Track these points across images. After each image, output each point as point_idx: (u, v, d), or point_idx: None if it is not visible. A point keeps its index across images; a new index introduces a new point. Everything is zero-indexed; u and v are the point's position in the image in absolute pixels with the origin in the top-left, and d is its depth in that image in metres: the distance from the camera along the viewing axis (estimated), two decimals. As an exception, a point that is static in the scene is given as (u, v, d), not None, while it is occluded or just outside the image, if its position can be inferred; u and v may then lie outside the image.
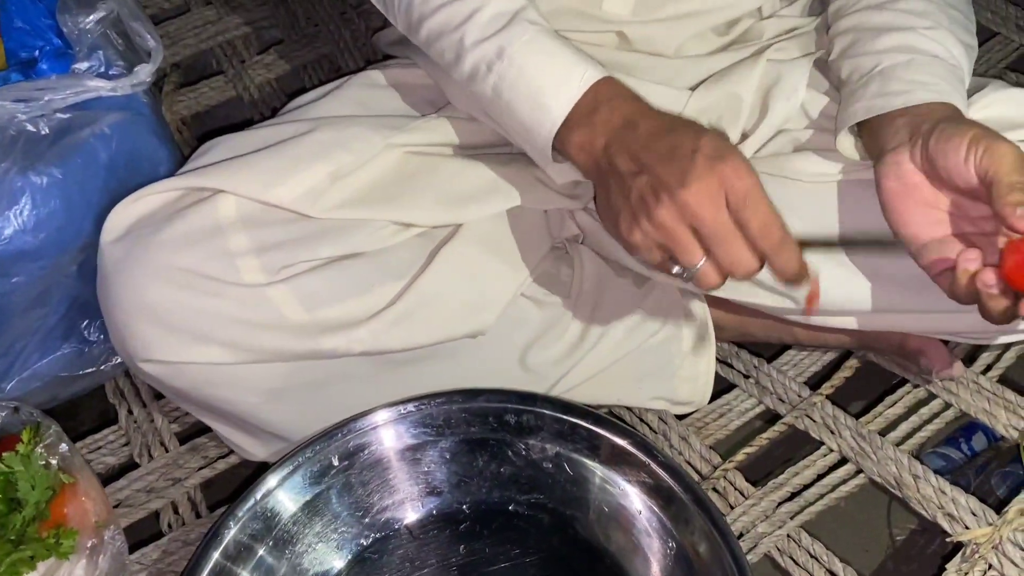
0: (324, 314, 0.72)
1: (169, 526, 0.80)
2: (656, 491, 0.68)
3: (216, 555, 0.67)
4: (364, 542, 0.73)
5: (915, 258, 0.61)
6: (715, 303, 0.85)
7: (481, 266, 0.78)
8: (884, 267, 0.70)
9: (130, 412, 0.88)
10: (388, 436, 0.74)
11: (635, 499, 0.70)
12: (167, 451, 0.85)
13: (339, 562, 0.72)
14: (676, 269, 0.60)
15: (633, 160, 0.60)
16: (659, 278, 0.80)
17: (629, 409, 0.87)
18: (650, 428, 0.85)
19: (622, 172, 0.61)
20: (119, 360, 0.86)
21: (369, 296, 0.73)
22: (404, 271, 0.75)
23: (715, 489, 0.78)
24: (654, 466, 0.69)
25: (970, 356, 0.84)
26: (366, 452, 0.74)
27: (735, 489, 0.78)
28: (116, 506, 0.80)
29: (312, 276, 0.72)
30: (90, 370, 0.86)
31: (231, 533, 0.68)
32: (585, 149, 0.63)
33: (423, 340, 0.75)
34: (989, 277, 0.56)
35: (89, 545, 0.62)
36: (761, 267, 0.58)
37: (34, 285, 0.76)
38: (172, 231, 0.69)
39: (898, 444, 0.78)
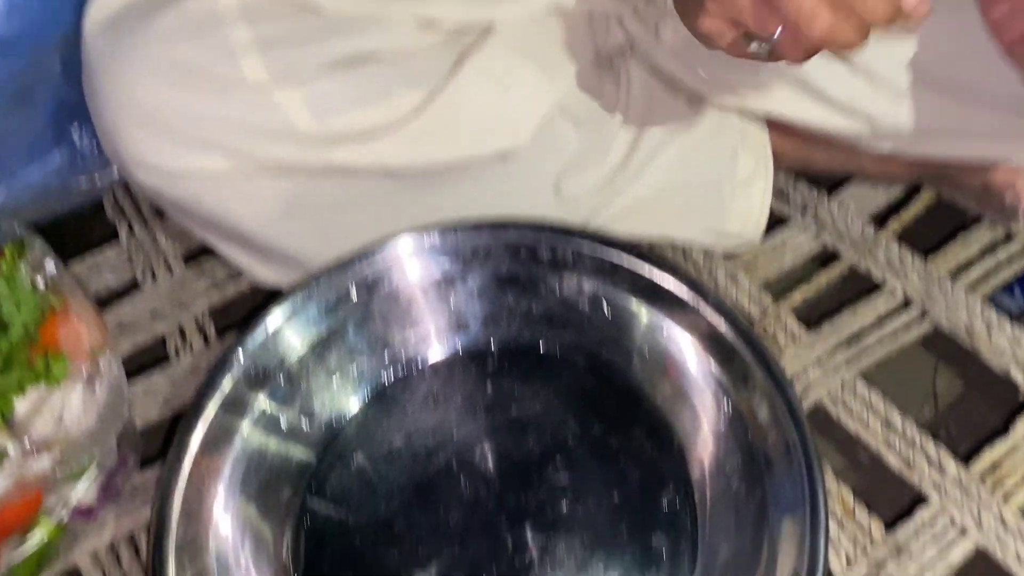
0: (336, 123, 0.64)
1: (176, 352, 0.75)
2: (706, 336, 0.62)
3: (225, 389, 0.62)
4: (385, 379, 0.68)
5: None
6: (775, 127, 0.76)
7: (514, 75, 0.69)
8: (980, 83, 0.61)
9: (131, 230, 0.82)
10: (410, 266, 0.68)
11: (682, 345, 0.63)
12: (172, 273, 0.79)
13: (358, 397, 0.67)
14: (753, 46, 0.49)
15: None
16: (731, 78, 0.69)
17: (671, 247, 0.79)
18: (694, 266, 0.78)
19: None
20: (116, 172, 0.78)
21: (387, 105, 0.65)
22: (427, 78, 0.66)
23: (764, 331, 0.72)
24: (705, 308, 0.62)
25: (1060, 195, 0.75)
26: (386, 283, 0.67)
27: (786, 332, 0.72)
28: (119, 329, 0.75)
29: (323, 80, 0.63)
30: (84, 184, 0.79)
31: (240, 366, 0.62)
32: None
33: (446, 157, 0.67)
34: None
35: (84, 372, 0.57)
36: (840, 30, 0.45)
37: (12, 81, 0.68)
38: (164, 20, 0.60)
39: (971, 288, 0.71)
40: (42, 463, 0.52)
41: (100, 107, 0.62)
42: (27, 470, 0.52)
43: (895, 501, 0.63)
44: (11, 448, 0.51)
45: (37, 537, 0.58)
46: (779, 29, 0.47)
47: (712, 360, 0.62)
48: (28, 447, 0.53)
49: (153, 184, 0.65)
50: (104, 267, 0.80)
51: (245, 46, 0.62)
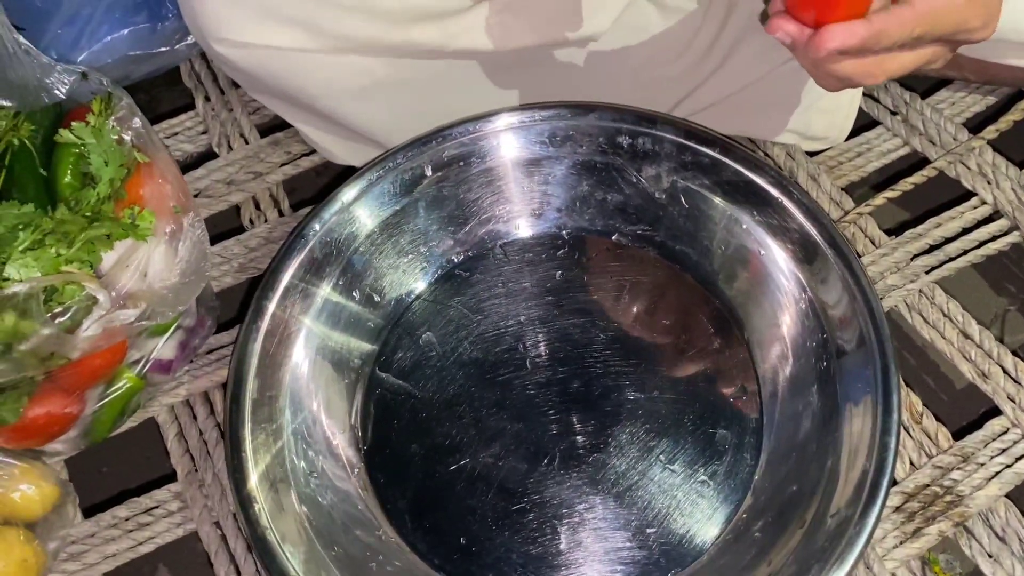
0: (416, 1, 0.62)
1: (251, 222, 0.76)
2: (787, 233, 0.61)
3: (302, 256, 0.62)
4: (455, 258, 0.68)
5: None
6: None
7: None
8: None
9: (207, 99, 0.82)
10: (485, 149, 0.67)
11: (762, 240, 0.62)
12: (247, 143, 0.79)
13: (428, 275, 0.67)
14: None
15: None
16: None
17: (752, 141, 0.77)
18: (775, 163, 0.76)
19: None
20: (194, 40, 0.78)
21: None
22: (510, -40, 0.64)
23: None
24: (789, 205, 0.61)
25: None
26: (461, 164, 0.67)
27: (865, 236, 0.70)
28: (195, 196, 0.76)
29: None
30: (163, 49, 0.79)
31: (317, 236, 0.63)
32: None
33: (526, 40, 0.65)
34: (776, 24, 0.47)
35: (168, 230, 0.58)
36: None
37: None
38: None
39: (1066, 203, 0.69)
40: (128, 314, 0.54)
41: (182, -23, 0.61)
42: (115, 320, 0.53)
43: (965, 411, 0.63)
44: (101, 296, 0.52)
45: (121, 387, 0.60)
46: None
47: (793, 256, 0.61)
48: (116, 299, 0.54)
49: (231, 58, 0.64)
50: (180, 134, 0.80)
51: None
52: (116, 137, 0.57)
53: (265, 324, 0.60)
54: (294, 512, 0.56)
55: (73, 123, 0.57)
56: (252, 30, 0.62)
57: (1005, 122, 0.73)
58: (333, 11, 0.62)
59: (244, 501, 0.55)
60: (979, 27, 0.48)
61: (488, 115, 0.67)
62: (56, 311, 0.51)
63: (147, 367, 0.62)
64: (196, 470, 0.64)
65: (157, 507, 0.63)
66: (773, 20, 0.48)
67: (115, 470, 0.65)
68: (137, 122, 0.58)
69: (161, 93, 0.84)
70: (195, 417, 0.66)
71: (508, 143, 0.67)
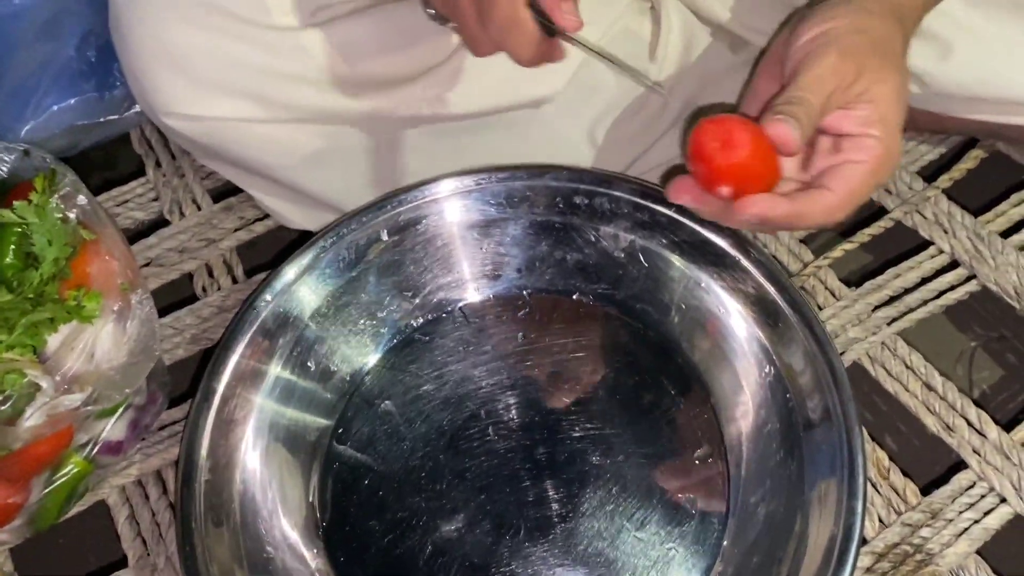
0: (366, 68, 0.62)
1: (204, 290, 0.74)
2: (747, 293, 0.60)
3: (253, 329, 0.61)
4: (414, 323, 0.67)
5: None
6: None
7: (550, 18, 0.66)
8: None
9: (158, 165, 0.80)
10: (442, 212, 0.66)
11: (722, 301, 0.61)
12: (199, 209, 0.78)
13: (386, 342, 0.66)
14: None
15: None
16: None
17: (710, 194, 0.77)
18: (733, 216, 0.75)
19: None
20: (144, 107, 0.77)
21: (418, 49, 0.63)
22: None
23: (803, 288, 0.70)
24: (747, 264, 0.60)
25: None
26: (418, 227, 0.66)
27: (826, 289, 0.70)
28: (146, 265, 0.75)
29: (353, 22, 0.62)
30: (112, 117, 0.78)
31: (269, 307, 0.62)
32: None
33: (479, 105, 0.65)
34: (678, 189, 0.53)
35: (115, 309, 0.56)
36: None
37: (39, 9, 0.66)
38: (193, -37, 0.58)
39: (1022, 248, 0.69)
40: (74, 399, 0.52)
41: (126, 50, 0.61)
42: (59, 406, 0.51)
43: (932, 465, 0.62)
44: (44, 383, 0.50)
45: (68, 472, 0.58)
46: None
47: (753, 318, 0.60)
48: (60, 383, 0.52)
49: (182, 131, 0.64)
50: (131, 202, 0.79)
51: None
52: (60, 215, 0.56)
53: (216, 402, 0.59)
54: (250, 599, 0.54)
55: (15, 202, 0.55)
56: (202, 103, 0.62)
57: (958, 170, 0.73)
58: (283, 82, 0.62)
59: (197, 590, 0.53)
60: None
61: (443, 177, 0.66)
62: (-5, 401, 0.49)
63: (96, 449, 0.60)
64: (148, 554, 0.61)
65: (108, 596, 0.60)
66: (674, 187, 0.53)
67: (63, 558, 0.62)
68: (82, 199, 0.56)
69: (111, 160, 0.82)
70: (147, 497, 0.64)
71: (464, 205, 0.66)
